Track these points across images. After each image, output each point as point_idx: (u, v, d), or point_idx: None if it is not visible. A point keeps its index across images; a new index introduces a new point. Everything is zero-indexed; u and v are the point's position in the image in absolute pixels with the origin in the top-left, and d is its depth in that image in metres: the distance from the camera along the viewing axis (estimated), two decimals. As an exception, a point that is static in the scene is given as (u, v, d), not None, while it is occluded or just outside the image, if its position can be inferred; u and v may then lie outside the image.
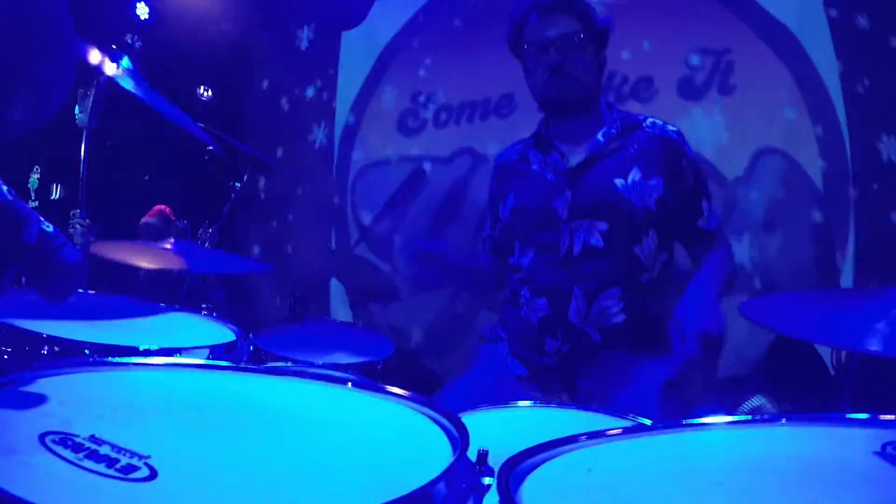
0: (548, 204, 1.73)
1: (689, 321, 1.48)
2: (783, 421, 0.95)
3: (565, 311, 1.66)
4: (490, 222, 1.96)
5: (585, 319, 1.65)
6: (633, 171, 1.70)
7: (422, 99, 3.83)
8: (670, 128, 1.78)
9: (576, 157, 1.75)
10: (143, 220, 4.26)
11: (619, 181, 1.69)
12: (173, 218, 4.25)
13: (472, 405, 1.55)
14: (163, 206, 4.32)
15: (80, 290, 1.68)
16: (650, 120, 1.79)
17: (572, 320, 1.66)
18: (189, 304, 1.92)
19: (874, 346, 0.89)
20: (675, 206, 1.72)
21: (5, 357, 1.11)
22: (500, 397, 1.66)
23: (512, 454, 0.78)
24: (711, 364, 1.59)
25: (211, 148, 2.08)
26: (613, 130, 1.75)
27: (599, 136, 1.75)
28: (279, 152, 4.42)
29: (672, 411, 1.56)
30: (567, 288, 1.67)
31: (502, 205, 1.88)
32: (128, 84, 1.75)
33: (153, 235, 4.14)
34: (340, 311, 4.03)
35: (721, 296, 1.63)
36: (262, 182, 4.46)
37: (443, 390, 1.73)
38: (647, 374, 1.66)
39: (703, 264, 1.73)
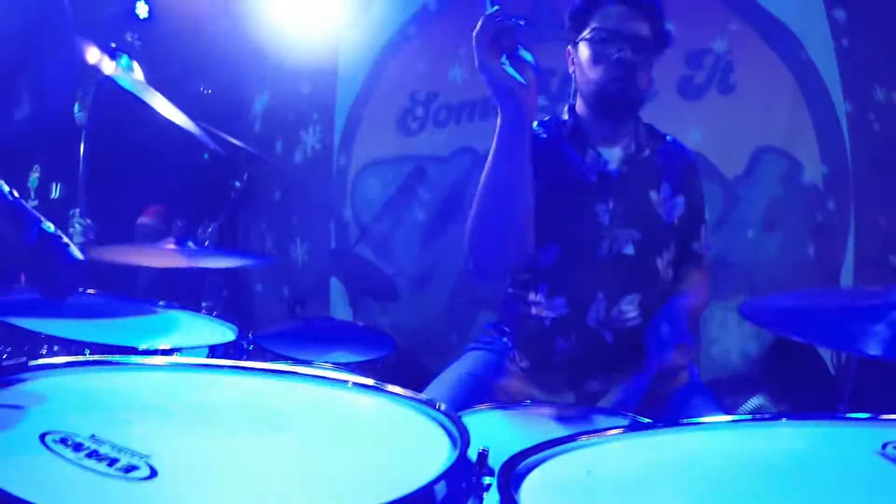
0: (590, 208, 1.67)
1: (669, 331, 1.51)
2: (783, 421, 0.95)
3: (584, 314, 1.63)
4: None
5: (603, 323, 1.64)
6: (663, 185, 1.71)
7: (421, 98, 3.83)
8: (686, 148, 1.80)
9: (611, 160, 1.71)
10: (140, 220, 4.24)
11: (653, 194, 1.69)
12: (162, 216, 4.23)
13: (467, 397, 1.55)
14: (159, 206, 4.30)
15: (81, 290, 1.68)
16: (669, 136, 1.80)
17: (589, 323, 1.64)
18: (189, 303, 1.92)
19: (874, 348, 0.88)
20: (685, 225, 1.74)
21: (5, 357, 1.11)
22: (497, 390, 1.66)
23: (512, 454, 0.78)
24: (672, 378, 1.62)
25: (211, 147, 2.08)
26: (642, 139, 1.74)
27: (632, 144, 1.72)
28: (279, 147, 4.41)
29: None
30: (590, 291, 1.64)
31: None
32: (127, 83, 1.75)
33: (151, 236, 4.13)
34: (340, 309, 4.02)
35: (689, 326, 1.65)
36: (261, 181, 4.46)
37: (435, 382, 1.71)
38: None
39: (685, 291, 1.73)
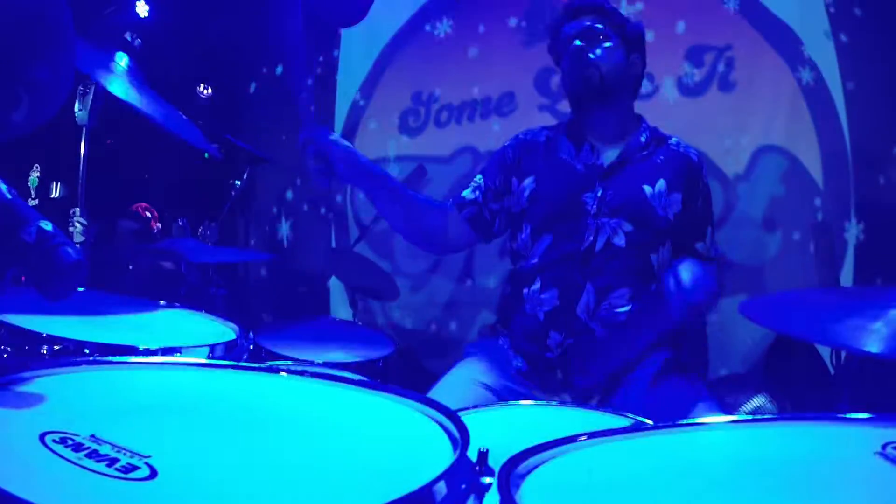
0: (577, 196, 1.74)
1: (686, 274, 1.52)
2: (783, 421, 0.95)
3: (574, 305, 1.68)
4: (482, 189, 1.85)
5: (592, 315, 1.67)
6: (659, 181, 1.75)
7: (423, 98, 3.83)
8: (692, 150, 1.85)
9: (607, 155, 1.79)
10: (122, 221, 4.16)
11: (647, 187, 1.74)
12: (151, 215, 4.16)
13: (469, 400, 1.56)
14: (141, 205, 4.20)
15: (80, 289, 1.68)
16: (675, 139, 1.86)
17: (580, 315, 1.68)
18: (189, 302, 1.92)
19: (873, 347, 0.88)
20: (687, 224, 1.77)
21: (5, 357, 1.11)
22: (498, 393, 1.67)
23: (512, 454, 0.78)
24: (701, 321, 1.62)
25: (210, 147, 2.08)
26: (643, 138, 1.81)
27: (630, 143, 1.79)
28: (278, 147, 4.41)
29: (662, 403, 1.59)
30: (580, 282, 1.69)
31: (517, 180, 1.83)
32: (121, 89, 1.72)
33: (134, 237, 4.08)
34: (340, 309, 4.02)
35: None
36: (262, 180, 4.46)
37: (438, 386, 1.73)
38: (643, 370, 1.68)
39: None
